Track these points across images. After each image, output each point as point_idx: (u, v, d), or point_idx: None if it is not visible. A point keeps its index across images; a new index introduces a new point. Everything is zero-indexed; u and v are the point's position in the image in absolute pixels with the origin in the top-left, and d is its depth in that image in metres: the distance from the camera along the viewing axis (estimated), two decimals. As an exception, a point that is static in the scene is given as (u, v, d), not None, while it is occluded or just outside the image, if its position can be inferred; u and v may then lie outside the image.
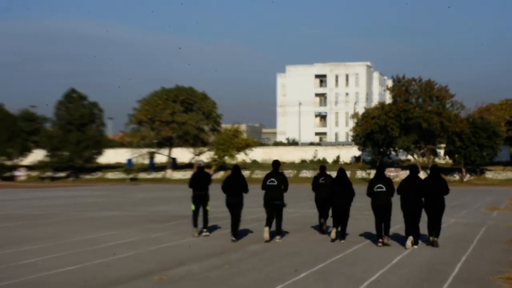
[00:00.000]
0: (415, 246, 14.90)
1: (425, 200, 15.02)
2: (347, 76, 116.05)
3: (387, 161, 70.40)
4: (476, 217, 23.28)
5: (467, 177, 64.13)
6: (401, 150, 67.55)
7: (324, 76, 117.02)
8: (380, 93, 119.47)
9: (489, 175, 65.20)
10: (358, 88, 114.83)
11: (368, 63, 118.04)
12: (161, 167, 76.14)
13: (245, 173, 71.21)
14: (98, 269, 11.96)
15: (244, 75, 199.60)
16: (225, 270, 11.93)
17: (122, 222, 21.54)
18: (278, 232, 16.33)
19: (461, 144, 62.09)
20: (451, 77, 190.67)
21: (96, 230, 18.83)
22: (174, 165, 75.68)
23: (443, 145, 66.08)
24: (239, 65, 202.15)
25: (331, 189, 16.38)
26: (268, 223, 16.08)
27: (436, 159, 68.89)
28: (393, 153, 69.19)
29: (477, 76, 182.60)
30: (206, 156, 73.59)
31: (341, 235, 16.14)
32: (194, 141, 70.88)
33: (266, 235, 15.90)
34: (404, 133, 63.55)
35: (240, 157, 75.10)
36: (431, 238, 15.26)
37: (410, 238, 14.84)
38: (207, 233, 17.32)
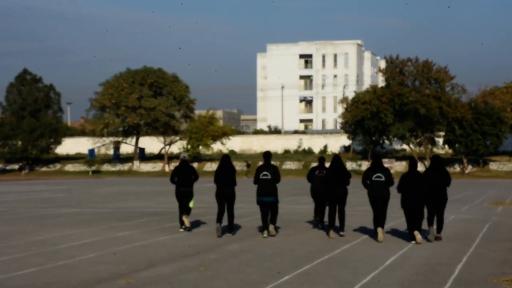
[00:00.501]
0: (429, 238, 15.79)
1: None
2: (335, 56, 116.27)
3: (380, 151, 70.82)
4: (478, 213, 23.52)
5: (469, 168, 64.67)
6: (395, 139, 67.93)
7: (310, 56, 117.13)
8: (372, 75, 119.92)
9: (493, 166, 65.76)
10: (348, 69, 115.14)
11: (359, 42, 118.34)
12: (127, 158, 75.97)
13: (222, 164, 71.17)
14: (59, 272, 11.95)
15: (220, 55, 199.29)
16: (200, 273, 11.96)
17: (84, 220, 21.50)
18: (273, 222, 16.97)
19: (462, 132, 62.52)
20: (451, 58, 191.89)
21: (56, 229, 18.78)
22: (142, 156, 75.50)
23: (442, 133, 66.53)
24: (214, 44, 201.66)
25: (326, 179, 17.04)
26: (265, 224, 16.74)
27: (435, 149, 69.40)
28: (386, 142, 69.59)
29: (480, 56, 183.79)
30: (178, 146, 73.54)
31: (340, 227, 16.93)
32: (164, 129, 70.73)
33: (266, 235, 16.66)
34: (399, 119, 63.95)
35: (216, 147, 75.15)
36: (430, 228, 15.99)
37: (417, 233, 15.44)
38: (188, 221, 17.94)
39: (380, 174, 15.91)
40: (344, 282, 11.08)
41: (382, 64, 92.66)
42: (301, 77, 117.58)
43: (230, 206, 17.00)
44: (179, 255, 14.00)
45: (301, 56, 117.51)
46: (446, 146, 66.27)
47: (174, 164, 71.93)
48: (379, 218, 15.96)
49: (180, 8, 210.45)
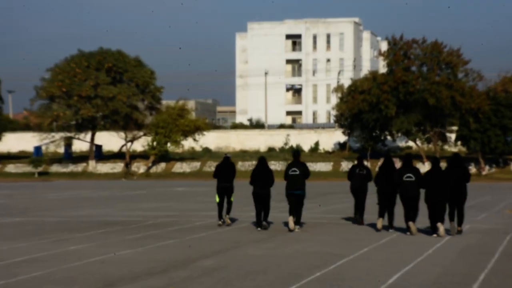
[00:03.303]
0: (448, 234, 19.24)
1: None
2: (328, 37, 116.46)
3: (382, 148, 71.05)
4: (498, 222, 23.62)
5: (487, 169, 64.99)
6: (399, 135, 68.12)
7: (299, 36, 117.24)
8: (371, 59, 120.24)
9: (514, 166, 66.13)
10: (343, 52, 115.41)
11: (356, 20, 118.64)
12: (81, 158, 75.67)
13: (195, 164, 71.23)
14: (-2, 294, 11.88)
15: (193, 36, 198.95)
16: (169, 294, 11.95)
17: (30, 231, 21.39)
18: (297, 222, 21.11)
19: (478, 127, 62.76)
20: (465, 38, 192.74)
21: (-6, 241, 18.70)
22: (98, 154, 75.25)
23: (454, 128, 66.75)
24: (186, 23, 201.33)
25: (379, 177, 20.80)
26: (292, 213, 20.87)
27: (446, 146, 69.66)
28: (389, 138, 69.76)
29: (500, 36, 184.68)
30: (142, 143, 73.37)
31: (389, 223, 20.69)
32: (125, 122, 70.50)
33: (292, 224, 20.68)
34: (403, 112, 64.10)
35: (188, 143, 75.08)
36: (451, 224, 19.49)
37: (440, 224, 19.08)
38: (229, 222, 22.35)
39: (410, 174, 19.77)
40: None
41: (384, 46, 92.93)
42: (288, 61, 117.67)
43: (266, 204, 21.45)
44: (143, 272, 13.96)
45: (288, 36, 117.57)
46: (459, 143, 66.45)
47: (137, 164, 71.80)
48: (410, 214, 19.67)
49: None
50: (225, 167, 22.52)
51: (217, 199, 22.36)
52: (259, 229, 21.17)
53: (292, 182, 20.92)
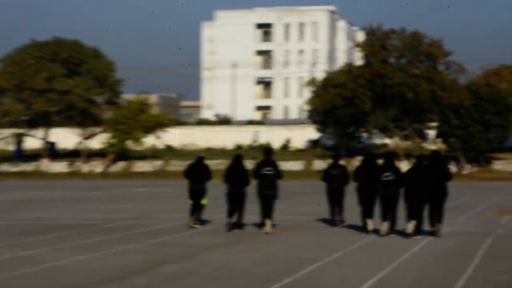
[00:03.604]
0: (418, 237, 19.57)
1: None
2: (301, 26, 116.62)
3: (357, 146, 71.26)
4: (478, 225, 23.82)
5: (468, 168, 65.31)
6: (375, 131, 68.31)
7: (269, 25, 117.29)
8: (347, 50, 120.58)
9: (498, 165, 66.51)
10: (317, 43, 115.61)
11: (331, 8, 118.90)
12: (34, 156, 75.14)
13: (157, 163, 71.08)
14: None
15: (155, 25, 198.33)
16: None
17: (-23, 235, 21.25)
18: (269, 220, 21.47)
19: (459, 123, 63.03)
20: (446, 29, 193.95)
21: None
22: (52, 152, 74.78)
23: (434, 124, 67.00)
24: (148, 11, 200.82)
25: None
26: (266, 215, 21.38)
27: (425, 144, 69.93)
28: (364, 135, 69.98)
29: (483, 27, 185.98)
30: (100, 140, 72.99)
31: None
32: (82, 118, 70.12)
33: (268, 228, 21.19)
34: (380, 107, 64.29)
35: (150, 141, 74.77)
36: (432, 228, 19.97)
37: (411, 223, 19.53)
38: (198, 226, 22.54)
39: (389, 174, 20.04)
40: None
41: (360, 36, 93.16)
42: (258, 52, 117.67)
43: (242, 204, 22.02)
44: (100, 280, 13.93)
45: (259, 25, 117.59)
46: (439, 140, 66.69)
47: (94, 163, 71.46)
48: (386, 214, 20.02)
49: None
50: (198, 168, 22.94)
51: (190, 201, 22.83)
52: (234, 231, 21.63)
53: (265, 182, 21.36)
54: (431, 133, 68.01)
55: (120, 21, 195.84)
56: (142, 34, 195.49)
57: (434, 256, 16.65)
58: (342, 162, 27.16)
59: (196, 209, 22.72)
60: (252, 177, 21.64)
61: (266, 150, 22.82)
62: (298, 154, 73.89)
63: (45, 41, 71.15)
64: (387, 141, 73.39)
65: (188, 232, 21.55)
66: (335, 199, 22.76)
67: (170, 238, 20.25)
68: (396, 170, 20.31)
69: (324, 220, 24.22)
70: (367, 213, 20.92)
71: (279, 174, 21.58)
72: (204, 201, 22.79)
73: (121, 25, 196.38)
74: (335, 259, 16.43)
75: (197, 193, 22.66)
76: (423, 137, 68.03)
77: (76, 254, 17.18)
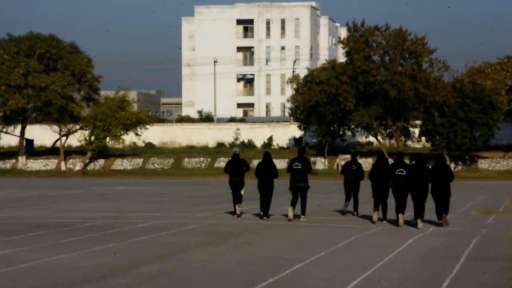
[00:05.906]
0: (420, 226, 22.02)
1: (432, 186, 22.38)
2: (283, 22, 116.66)
3: (340, 144, 71.35)
4: (464, 224, 23.89)
5: (452, 167, 65.55)
6: (359, 129, 68.44)
7: (251, 21, 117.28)
8: (330, 47, 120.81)
9: (483, 164, 66.81)
10: (299, 39, 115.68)
11: (313, 4, 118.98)
12: (10, 153, 74.93)
13: (137, 161, 70.95)
14: None
15: (134, 21, 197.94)
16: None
17: (-48, 234, 21.13)
18: (303, 212, 24.73)
19: (444, 121, 63.21)
20: (430, 26, 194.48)
21: None
22: (29, 150, 74.54)
23: (418, 122, 67.20)
24: (127, 6, 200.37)
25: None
26: (293, 204, 24.35)
27: (409, 142, 70.14)
28: (348, 133, 70.09)
29: (467, 25, 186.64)
30: (78, 137, 72.82)
31: (383, 215, 24.03)
32: (60, 115, 69.89)
33: (291, 214, 24.13)
34: (363, 104, 64.42)
35: (129, 138, 74.70)
36: (439, 221, 22.62)
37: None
38: (239, 212, 25.62)
39: (402, 169, 22.73)
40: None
41: (343, 33, 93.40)
42: (239, 49, 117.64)
43: (269, 195, 25.14)
44: (79, 279, 13.86)
45: (239, 21, 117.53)
46: (423, 139, 66.92)
47: (72, 161, 71.25)
48: (400, 206, 22.67)
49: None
50: (235, 162, 26.01)
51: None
52: (265, 218, 25.03)
53: (296, 175, 24.58)
54: (415, 131, 68.21)
55: (98, 17, 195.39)
56: (121, 29, 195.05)
57: (420, 256, 16.65)
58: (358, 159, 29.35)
59: (237, 198, 25.66)
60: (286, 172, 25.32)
61: (300, 149, 26.13)
62: (280, 152, 73.99)
63: (21, 36, 70.84)
64: (371, 139, 73.58)
65: (167, 232, 21.48)
66: (351, 192, 26.50)
67: (150, 237, 20.18)
68: (407, 167, 23.07)
69: (309, 219, 24.33)
70: (376, 206, 23.72)
71: (308, 167, 24.79)
72: (242, 191, 25.80)
73: (100, 20, 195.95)
74: (319, 259, 16.40)
75: (236, 184, 25.72)
76: (407, 136, 68.25)
77: (54, 254, 17.08)
